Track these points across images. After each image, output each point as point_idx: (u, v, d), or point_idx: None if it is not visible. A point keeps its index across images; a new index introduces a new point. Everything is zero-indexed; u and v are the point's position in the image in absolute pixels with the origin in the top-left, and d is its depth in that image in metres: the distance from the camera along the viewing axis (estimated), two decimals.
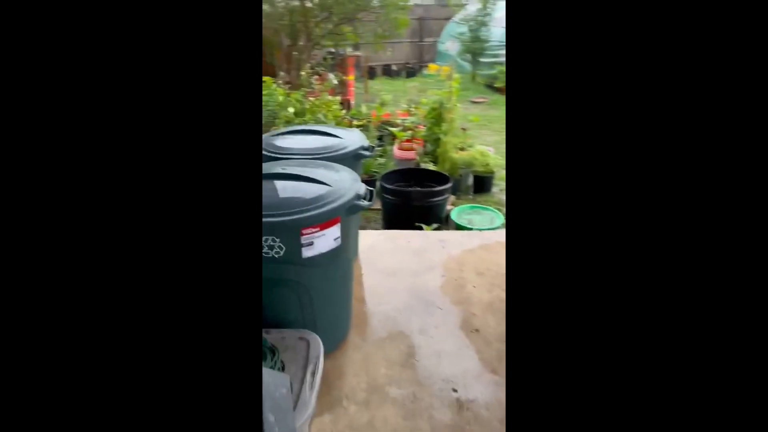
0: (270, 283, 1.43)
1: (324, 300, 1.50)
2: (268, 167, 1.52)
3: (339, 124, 3.72)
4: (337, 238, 1.38)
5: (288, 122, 3.42)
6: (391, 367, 1.58)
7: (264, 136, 2.01)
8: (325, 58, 6.58)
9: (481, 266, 2.18)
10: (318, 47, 6.97)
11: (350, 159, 1.87)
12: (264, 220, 1.23)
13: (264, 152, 1.84)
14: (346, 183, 1.43)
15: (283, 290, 1.43)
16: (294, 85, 5.72)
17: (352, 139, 1.96)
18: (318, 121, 3.43)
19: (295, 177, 1.43)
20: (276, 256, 1.31)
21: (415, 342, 1.69)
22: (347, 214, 1.39)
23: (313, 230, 1.31)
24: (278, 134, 2.03)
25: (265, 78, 4.28)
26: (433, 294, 1.97)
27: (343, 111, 3.94)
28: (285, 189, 1.37)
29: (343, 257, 1.48)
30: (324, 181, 1.40)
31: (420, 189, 3.35)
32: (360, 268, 2.20)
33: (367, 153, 1.91)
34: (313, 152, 1.81)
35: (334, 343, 1.66)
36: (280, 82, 5.02)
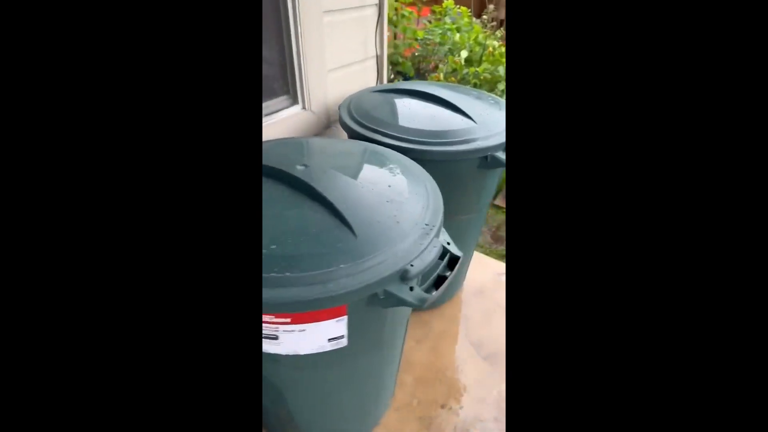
0: None
1: (312, 409, 0.86)
2: (297, 153, 0.87)
3: None
4: (337, 339, 0.68)
5: (454, 71, 2.58)
6: None
7: (363, 90, 1.33)
8: None
9: None
10: None
11: (470, 164, 1.04)
12: None
13: (343, 118, 1.17)
14: (399, 236, 0.67)
15: None
16: (500, 23, 4.65)
17: (493, 124, 1.09)
18: (493, 77, 2.48)
19: (309, 192, 0.73)
20: None
21: None
22: (367, 305, 0.65)
23: (278, 320, 0.63)
24: (384, 90, 1.30)
25: (462, 8, 3.44)
26: None
27: None
28: (275, 219, 0.70)
29: (362, 357, 0.78)
30: (349, 220, 0.67)
31: None
32: (453, 320, 1.43)
33: None
34: (409, 136, 1.04)
35: None
36: (485, 18, 4.07)
